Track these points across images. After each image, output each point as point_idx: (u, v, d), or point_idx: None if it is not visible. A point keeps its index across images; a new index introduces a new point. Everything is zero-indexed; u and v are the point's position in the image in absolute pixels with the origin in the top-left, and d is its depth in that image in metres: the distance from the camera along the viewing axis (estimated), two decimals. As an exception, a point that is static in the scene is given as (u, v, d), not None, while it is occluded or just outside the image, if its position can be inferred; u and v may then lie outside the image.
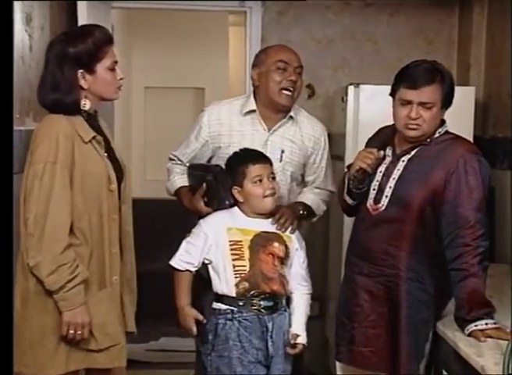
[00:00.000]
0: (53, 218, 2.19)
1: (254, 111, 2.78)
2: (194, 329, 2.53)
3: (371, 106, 3.48)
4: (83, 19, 3.58)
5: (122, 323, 2.40)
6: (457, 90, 3.90)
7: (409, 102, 2.31)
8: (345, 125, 3.59)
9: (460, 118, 3.56)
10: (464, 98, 3.68)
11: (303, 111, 2.91)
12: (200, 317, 2.53)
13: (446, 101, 2.36)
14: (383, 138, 2.50)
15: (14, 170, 2.44)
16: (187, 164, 2.86)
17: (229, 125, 2.79)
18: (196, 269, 2.56)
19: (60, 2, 3.62)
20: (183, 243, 2.59)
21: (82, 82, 2.29)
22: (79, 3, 3.60)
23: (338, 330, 2.54)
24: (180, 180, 2.85)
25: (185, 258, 2.56)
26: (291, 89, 2.72)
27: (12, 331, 2.00)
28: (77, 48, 2.26)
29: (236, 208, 2.60)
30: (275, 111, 2.78)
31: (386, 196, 2.38)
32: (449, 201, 2.29)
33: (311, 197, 2.86)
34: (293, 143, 2.80)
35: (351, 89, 3.60)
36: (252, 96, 2.82)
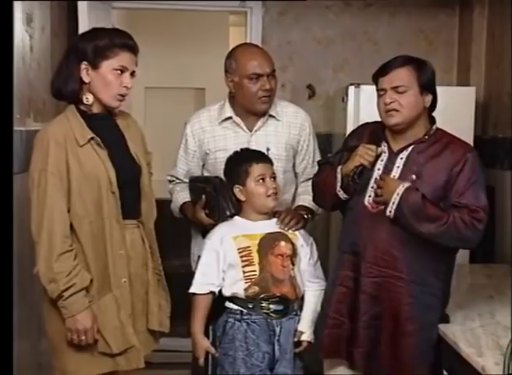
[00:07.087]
0: (47, 225, 2.19)
1: (230, 117, 2.82)
2: (202, 360, 2.53)
3: (372, 106, 3.38)
4: (83, 19, 3.58)
5: (142, 323, 2.40)
6: (458, 90, 3.97)
7: (384, 90, 2.32)
8: (345, 125, 3.58)
9: (461, 118, 3.57)
10: (465, 98, 3.69)
11: (281, 102, 2.92)
12: (212, 350, 2.53)
13: (425, 85, 2.31)
14: (370, 134, 2.47)
15: (14, 170, 2.45)
16: (185, 180, 2.89)
17: (211, 131, 2.84)
18: (219, 288, 2.53)
19: (61, 3, 3.63)
20: (198, 267, 2.57)
21: (84, 75, 2.28)
22: (79, 3, 3.60)
23: (328, 329, 2.43)
24: (182, 196, 2.87)
25: (204, 281, 2.53)
26: (268, 95, 2.76)
27: (12, 332, 2.00)
28: (87, 41, 2.28)
29: (236, 217, 2.61)
30: (253, 114, 2.82)
31: None
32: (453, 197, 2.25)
33: (308, 197, 2.85)
34: (278, 137, 2.83)
35: (352, 89, 3.61)
36: (228, 102, 2.85)
